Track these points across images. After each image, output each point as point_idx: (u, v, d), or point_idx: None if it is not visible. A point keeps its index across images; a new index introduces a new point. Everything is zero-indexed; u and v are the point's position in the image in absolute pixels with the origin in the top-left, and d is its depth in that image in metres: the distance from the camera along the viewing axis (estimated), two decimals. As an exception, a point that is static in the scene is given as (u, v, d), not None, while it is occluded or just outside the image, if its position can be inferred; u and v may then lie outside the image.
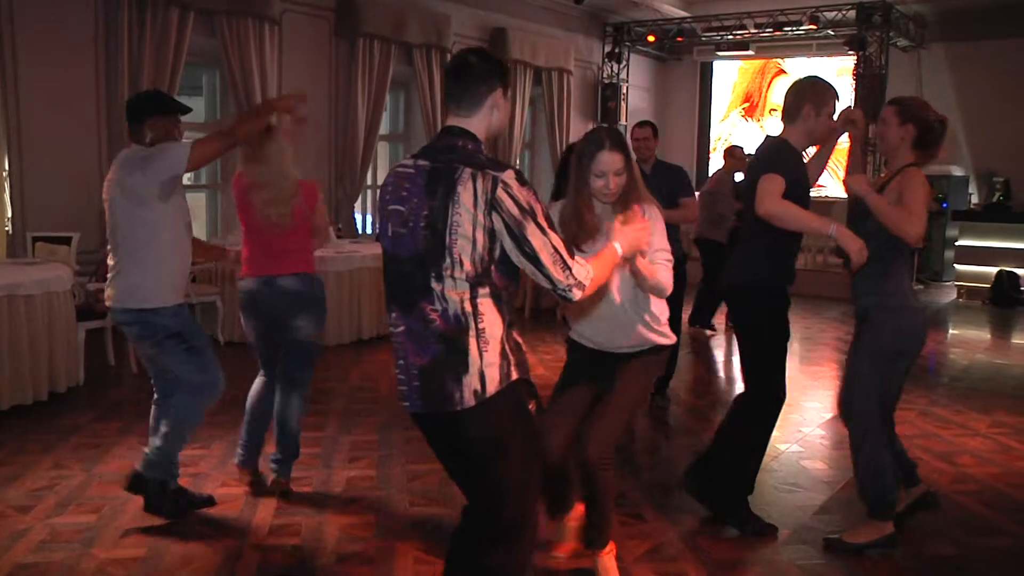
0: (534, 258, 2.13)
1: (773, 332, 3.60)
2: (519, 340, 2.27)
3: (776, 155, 3.48)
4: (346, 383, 6.05)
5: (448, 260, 2.14)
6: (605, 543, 3.16)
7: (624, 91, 13.62)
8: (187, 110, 3.76)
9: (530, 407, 2.28)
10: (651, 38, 13.18)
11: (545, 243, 2.13)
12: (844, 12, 11.38)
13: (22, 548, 3.33)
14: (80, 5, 7.28)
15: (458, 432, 2.22)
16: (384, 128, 10.58)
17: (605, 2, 12.44)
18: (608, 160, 2.84)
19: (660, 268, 2.84)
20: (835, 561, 3.41)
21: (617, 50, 13.42)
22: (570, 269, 2.16)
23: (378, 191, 2.39)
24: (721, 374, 7.04)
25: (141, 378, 6.02)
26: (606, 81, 13.50)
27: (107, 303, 3.64)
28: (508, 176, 2.12)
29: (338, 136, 9.62)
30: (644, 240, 2.49)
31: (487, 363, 2.15)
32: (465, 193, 2.11)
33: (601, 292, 2.89)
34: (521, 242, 2.12)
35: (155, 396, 3.72)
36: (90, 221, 7.35)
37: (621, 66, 13.54)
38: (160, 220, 3.48)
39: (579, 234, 2.92)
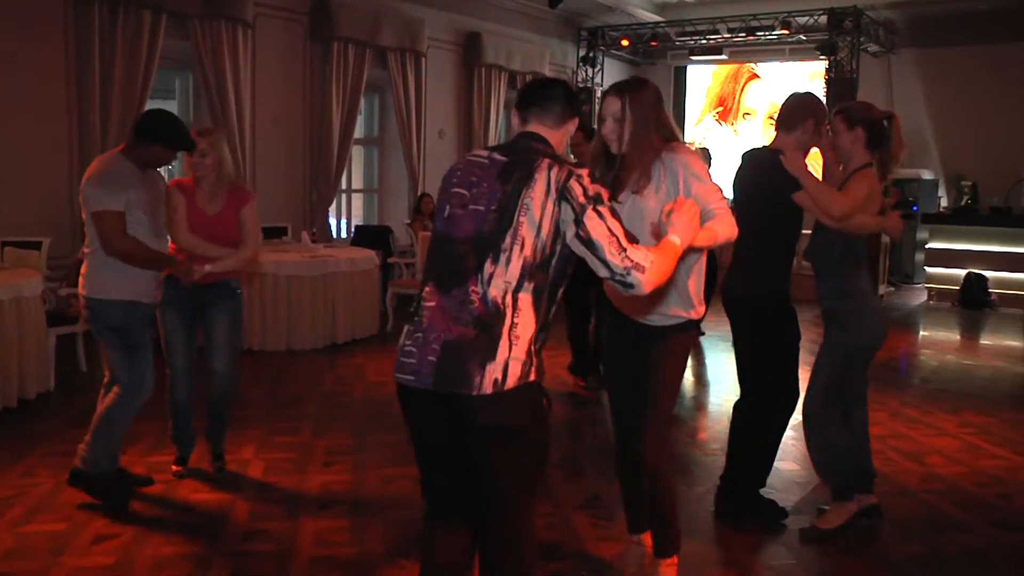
0: (590, 242, 2.13)
1: (791, 336, 3.71)
2: (543, 343, 2.27)
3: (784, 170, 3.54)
4: (320, 388, 6.02)
5: (510, 240, 2.15)
6: (674, 551, 3.14)
7: (598, 95, 13.68)
8: (191, 148, 3.90)
9: (544, 404, 2.25)
10: (625, 42, 13.26)
11: (603, 228, 2.12)
12: (816, 17, 11.51)
13: (-10, 557, 3.29)
14: (50, 7, 7.20)
15: (466, 416, 2.16)
16: (359, 132, 10.56)
17: (579, 6, 12.50)
18: (607, 104, 2.91)
19: (720, 222, 2.62)
20: (807, 562, 3.45)
21: (591, 54, 13.49)
22: (626, 251, 2.11)
23: (441, 177, 2.42)
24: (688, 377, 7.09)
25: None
26: (580, 85, 13.55)
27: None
28: (583, 171, 2.19)
29: (312, 140, 9.58)
30: (697, 223, 2.34)
31: (514, 356, 2.14)
32: (541, 179, 2.16)
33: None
34: (580, 225, 2.13)
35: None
36: (61, 226, 7.29)
37: (595, 70, 13.61)
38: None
39: (604, 174, 2.92)
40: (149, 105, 7.89)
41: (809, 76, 13.08)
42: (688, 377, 7.03)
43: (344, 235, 10.46)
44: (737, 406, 3.84)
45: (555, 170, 2.17)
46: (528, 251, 2.15)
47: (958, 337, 9.12)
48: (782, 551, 3.54)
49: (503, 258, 2.15)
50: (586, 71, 13.54)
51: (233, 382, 4.25)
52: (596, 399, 5.90)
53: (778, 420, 3.79)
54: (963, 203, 11.83)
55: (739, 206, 3.57)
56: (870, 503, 3.82)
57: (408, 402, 2.28)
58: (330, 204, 9.87)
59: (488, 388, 2.11)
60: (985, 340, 8.98)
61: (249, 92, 8.63)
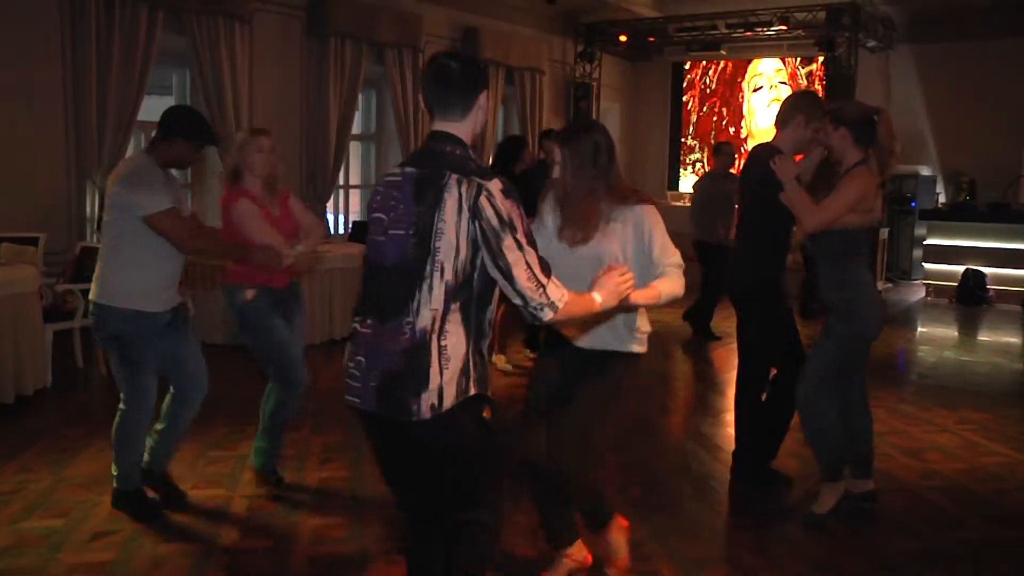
0: (507, 273, 2.11)
1: (777, 321, 4.03)
2: (484, 353, 2.25)
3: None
4: (318, 384, 6.01)
5: (430, 267, 2.12)
6: (606, 521, 3.10)
7: (596, 90, 13.67)
8: (214, 143, 3.77)
9: (486, 414, 2.26)
10: (623, 38, 13.24)
11: (520, 258, 2.10)
12: (814, 13, 11.49)
13: (-13, 554, 3.28)
14: (46, 2, 7.17)
15: (412, 439, 2.22)
16: (356, 128, 10.53)
17: (577, 2, 12.47)
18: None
19: (666, 281, 2.72)
20: (804, 556, 3.45)
21: (589, 50, 13.46)
22: (544, 287, 2.12)
23: (368, 198, 2.40)
24: (682, 373, 7.08)
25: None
26: (578, 81, 13.54)
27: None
28: (494, 186, 2.11)
29: (309, 136, 9.56)
30: (624, 291, 2.36)
31: (446, 380, 2.14)
32: (451, 199, 2.10)
33: (576, 322, 2.77)
34: (496, 255, 2.10)
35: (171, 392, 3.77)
36: (57, 222, 7.27)
37: (593, 65, 13.59)
38: (133, 231, 3.45)
39: (572, 225, 2.82)
40: (146, 101, 7.89)
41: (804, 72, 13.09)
42: (695, 379, 7.03)
43: (342, 231, 10.45)
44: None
45: (464, 187, 2.10)
46: (449, 275, 2.13)
47: (956, 333, 9.12)
48: (780, 548, 3.54)
49: (426, 286, 2.13)
50: (584, 67, 13.51)
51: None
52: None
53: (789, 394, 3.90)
54: (961, 199, 11.83)
55: (750, 191, 3.99)
56: (867, 489, 3.92)
57: (362, 422, 2.34)
58: (327, 200, 9.85)
59: (426, 413, 2.13)
60: (983, 336, 8.98)
61: (246, 88, 8.60)
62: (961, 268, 10.68)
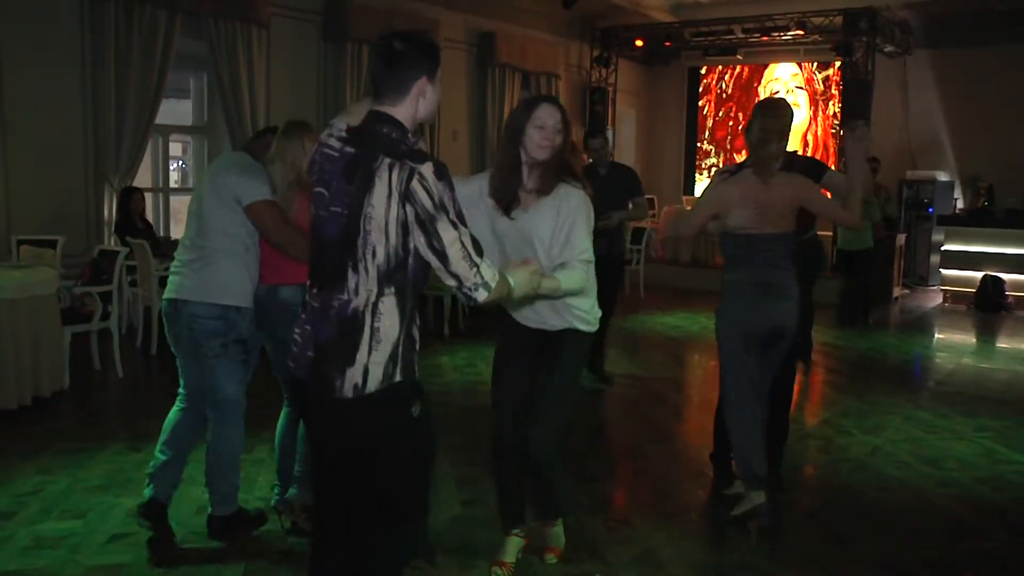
0: (442, 254, 2.09)
1: None
2: (415, 338, 2.24)
3: None
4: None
5: (362, 249, 2.11)
6: (558, 514, 3.35)
7: (612, 95, 13.66)
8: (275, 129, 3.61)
9: (414, 409, 2.21)
10: (639, 43, 13.23)
11: (455, 239, 2.09)
12: (831, 18, 11.44)
13: (5, 555, 3.30)
14: (65, 6, 7.25)
15: (334, 420, 2.21)
16: (372, 132, 10.56)
17: (593, 7, 12.46)
18: (548, 112, 2.90)
19: (569, 275, 2.79)
20: (820, 564, 3.42)
21: (605, 54, 13.46)
22: (478, 267, 2.13)
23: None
24: (696, 379, 7.06)
25: (127, 382, 6.00)
26: (594, 85, 13.53)
27: (171, 295, 3.37)
28: (426, 168, 2.08)
29: (326, 139, 9.57)
30: (534, 283, 2.44)
31: (373, 362, 2.13)
32: (380, 183, 2.08)
33: (509, 300, 2.71)
34: (431, 236, 2.08)
35: (180, 403, 3.51)
36: (76, 224, 7.33)
37: (609, 70, 13.58)
38: (235, 224, 3.32)
39: (504, 192, 2.94)
40: (163, 104, 7.94)
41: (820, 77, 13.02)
42: (702, 381, 7.01)
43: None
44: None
45: (396, 170, 2.07)
46: (381, 258, 2.11)
47: (974, 340, 9.05)
48: (791, 556, 3.52)
49: (361, 266, 2.12)
50: (600, 71, 13.51)
51: None
52: (605, 393, 5.90)
53: None
54: (979, 205, 11.74)
55: None
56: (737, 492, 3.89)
57: (295, 390, 2.35)
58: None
59: (348, 392, 2.13)
60: (1002, 343, 8.91)
61: (263, 92, 8.65)
62: (979, 274, 10.60)
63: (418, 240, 2.11)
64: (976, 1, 11.17)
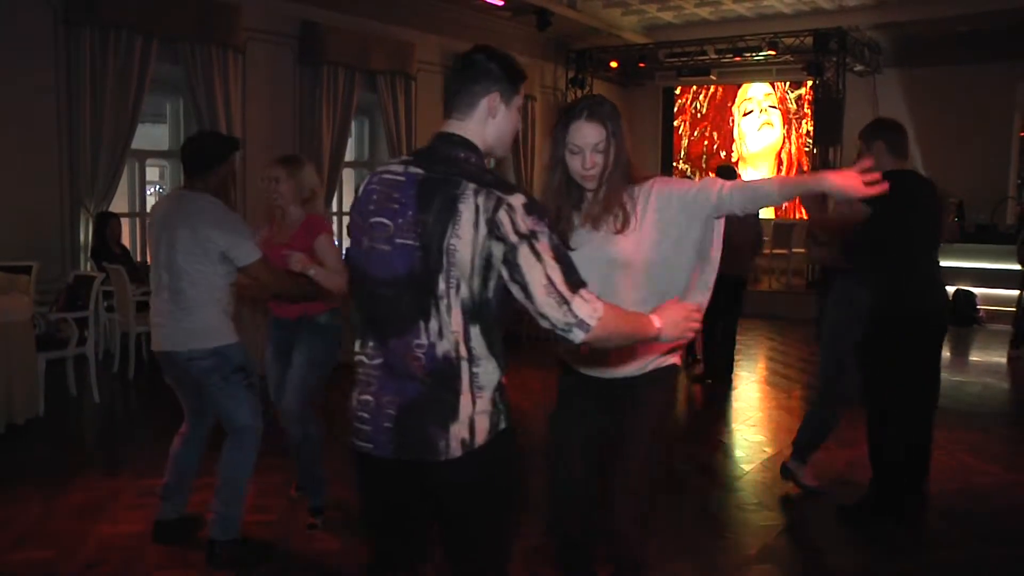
0: (525, 288, 1.81)
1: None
2: (504, 383, 1.97)
3: None
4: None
5: (443, 286, 1.84)
6: None
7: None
8: (238, 146, 3.63)
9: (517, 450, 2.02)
10: (614, 64, 13.38)
11: (538, 271, 1.80)
12: (802, 38, 11.63)
13: (-22, 584, 3.28)
14: (41, 31, 7.23)
15: (437, 480, 1.93)
16: (349, 155, 10.60)
17: (568, 29, 12.59)
18: (583, 133, 2.43)
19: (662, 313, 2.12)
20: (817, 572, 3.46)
21: (580, 76, 13.59)
22: (568, 304, 1.81)
23: (353, 200, 2.07)
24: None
25: (103, 408, 5.95)
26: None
27: (161, 347, 3.44)
28: (516, 200, 1.82)
29: (303, 163, 9.59)
30: (690, 331, 2.05)
31: (479, 411, 1.89)
32: (466, 211, 1.81)
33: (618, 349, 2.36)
34: (512, 268, 1.81)
35: (185, 429, 3.64)
36: (50, 250, 7.28)
37: (584, 91, 13.69)
38: (215, 272, 3.37)
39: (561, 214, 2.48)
40: (139, 129, 7.93)
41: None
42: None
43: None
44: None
45: (482, 197, 1.82)
46: (465, 294, 1.85)
47: (947, 354, 9.14)
48: (775, 570, 3.54)
49: (443, 305, 1.85)
50: (575, 92, 13.63)
51: (304, 423, 3.83)
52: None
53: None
54: (950, 220, 11.89)
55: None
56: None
57: (364, 468, 2.02)
58: (321, 226, 9.86)
59: (457, 451, 1.88)
60: (974, 356, 9.02)
61: (240, 116, 8.66)
62: (951, 289, 10.74)
63: (503, 273, 1.84)
64: (941, 23, 11.41)
